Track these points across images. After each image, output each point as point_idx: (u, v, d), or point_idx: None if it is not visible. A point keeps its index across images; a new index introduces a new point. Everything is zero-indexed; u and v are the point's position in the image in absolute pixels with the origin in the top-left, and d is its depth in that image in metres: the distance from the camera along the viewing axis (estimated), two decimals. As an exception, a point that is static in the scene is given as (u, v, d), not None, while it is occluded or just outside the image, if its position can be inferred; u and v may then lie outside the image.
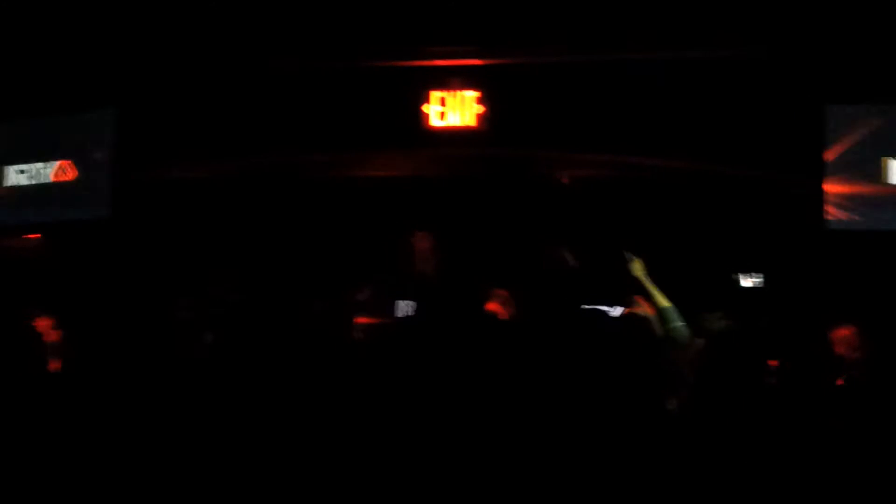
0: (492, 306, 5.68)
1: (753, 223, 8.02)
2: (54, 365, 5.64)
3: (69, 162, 8.90)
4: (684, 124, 8.10)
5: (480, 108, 8.48)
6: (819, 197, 7.91)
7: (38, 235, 8.91)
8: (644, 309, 5.03)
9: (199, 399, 4.47)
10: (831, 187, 7.89)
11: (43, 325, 5.99)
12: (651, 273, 5.27)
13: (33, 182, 9.02)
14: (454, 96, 8.54)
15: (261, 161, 8.65)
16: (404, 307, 6.21)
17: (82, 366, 5.36)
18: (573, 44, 8.19)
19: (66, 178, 8.93)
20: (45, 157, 9.01)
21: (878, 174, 7.91)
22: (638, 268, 5.28)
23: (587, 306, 5.15)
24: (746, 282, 8.10)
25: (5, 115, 9.04)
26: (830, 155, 7.92)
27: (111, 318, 6.69)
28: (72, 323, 6.26)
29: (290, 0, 8.33)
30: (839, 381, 5.31)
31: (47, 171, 8.97)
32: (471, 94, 8.52)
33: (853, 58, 7.80)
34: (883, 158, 7.91)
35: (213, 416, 4.26)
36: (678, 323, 4.86)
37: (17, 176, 9.10)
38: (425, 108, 8.54)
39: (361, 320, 5.70)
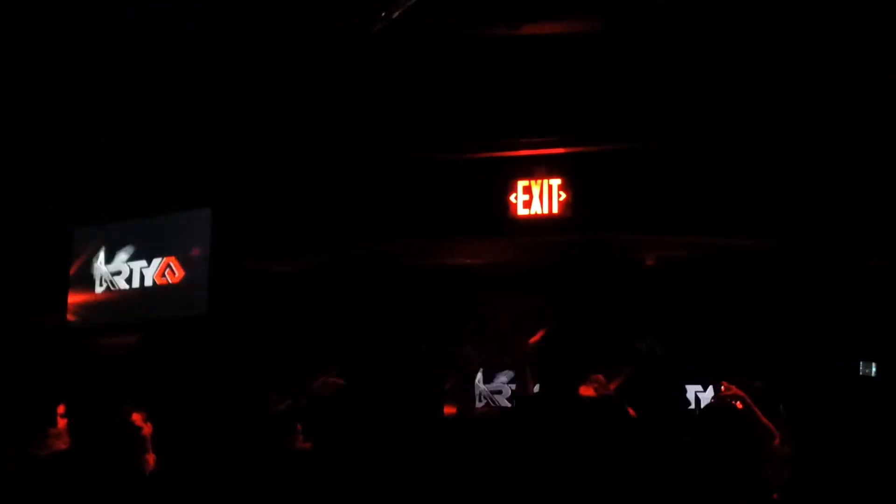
0: (586, 391, 5.67)
1: (849, 305, 7.91)
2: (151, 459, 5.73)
3: (174, 260, 9.12)
4: (769, 203, 8.08)
5: (563, 196, 8.60)
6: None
7: (138, 335, 9.14)
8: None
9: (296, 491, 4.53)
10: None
11: (138, 419, 6.08)
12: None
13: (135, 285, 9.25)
14: (538, 184, 8.68)
15: (353, 250, 8.89)
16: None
17: (178, 461, 5.44)
18: (651, 128, 8.29)
19: (170, 279, 9.16)
20: (147, 257, 9.25)
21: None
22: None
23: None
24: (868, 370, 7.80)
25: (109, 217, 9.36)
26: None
27: (206, 412, 6.83)
28: (169, 419, 6.39)
29: (383, 96, 8.54)
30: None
31: (150, 272, 9.21)
32: (554, 182, 8.65)
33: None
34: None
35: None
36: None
37: (118, 279, 9.36)
38: (512, 197, 8.69)
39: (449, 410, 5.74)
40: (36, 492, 4.92)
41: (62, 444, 5.38)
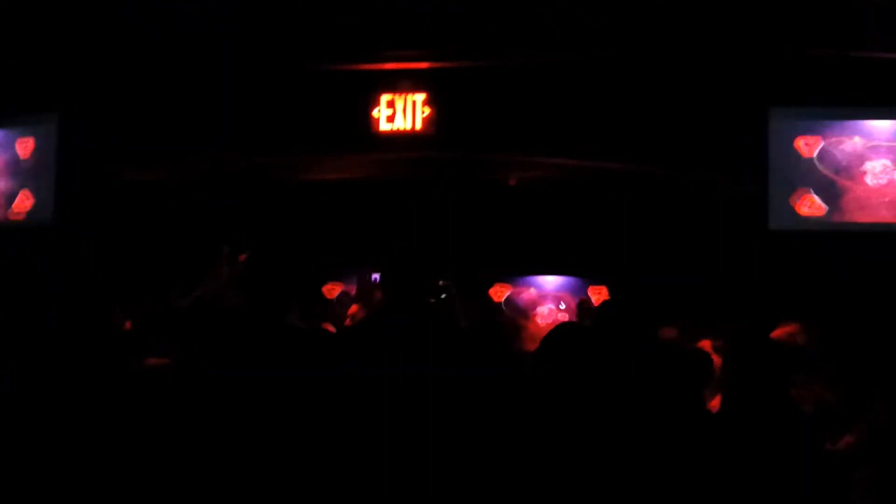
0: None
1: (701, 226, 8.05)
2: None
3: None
4: (632, 125, 8.12)
5: (427, 111, 8.48)
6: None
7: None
8: None
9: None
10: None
11: None
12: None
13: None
14: (401, 99, 8.54)
15: (208, 165, 8.64)
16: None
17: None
18: (517, 45, 8.20)
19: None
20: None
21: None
22: None
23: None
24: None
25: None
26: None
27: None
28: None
29: (246, 4, 8.26)
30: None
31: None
32: (419, 97, 8.53)
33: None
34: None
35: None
36: None
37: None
38: (375, 112, 8.53)
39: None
40: None
41: None
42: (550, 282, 8.86)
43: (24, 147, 8.86)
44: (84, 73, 8.56)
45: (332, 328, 5.90)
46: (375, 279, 5.63)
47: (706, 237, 7.94)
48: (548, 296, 8.81)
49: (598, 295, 8.43)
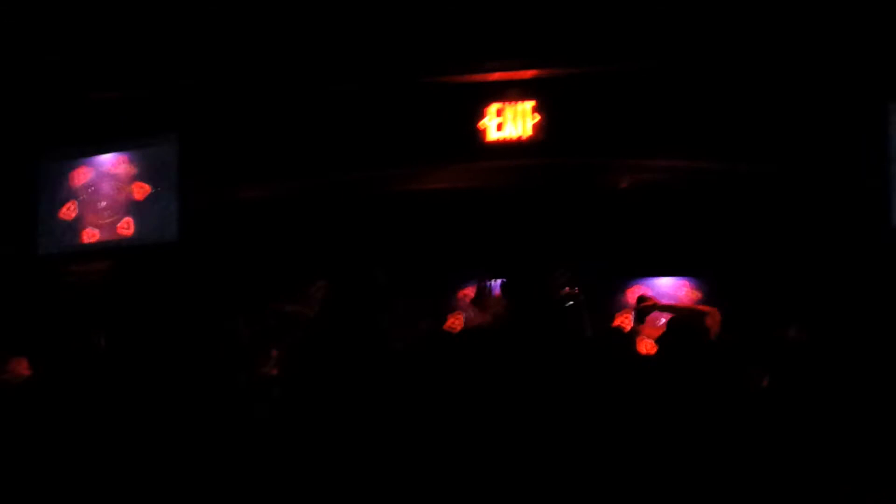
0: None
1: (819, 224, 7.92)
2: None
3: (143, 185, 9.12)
4: (743, 125, 8.04)
5: (536, 118, 8.51)
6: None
7: (109, 262, 9.12)
8: None
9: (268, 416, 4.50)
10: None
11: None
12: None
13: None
14: (511, 108, 8.59)
15: (322, 179, 8.81)
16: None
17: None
18: (623, 50, 8.18)
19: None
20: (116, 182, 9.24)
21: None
22: None
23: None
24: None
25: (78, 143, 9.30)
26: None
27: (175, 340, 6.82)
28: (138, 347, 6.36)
29: (349, 22, 8.41)
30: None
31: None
32: (527, 105, 8.56)
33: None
34: None
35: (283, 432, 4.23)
36: None
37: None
38: (482, 122, 8.59)
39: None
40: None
41: (24, 371, 5.35)
42: (664, 284, 8.79)
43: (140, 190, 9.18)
44: (201, 94, 8.82)
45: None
46: (493, 286, 5.71)
47: (824, 235, 7.82)
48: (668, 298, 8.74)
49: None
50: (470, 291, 7.44)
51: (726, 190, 8.28)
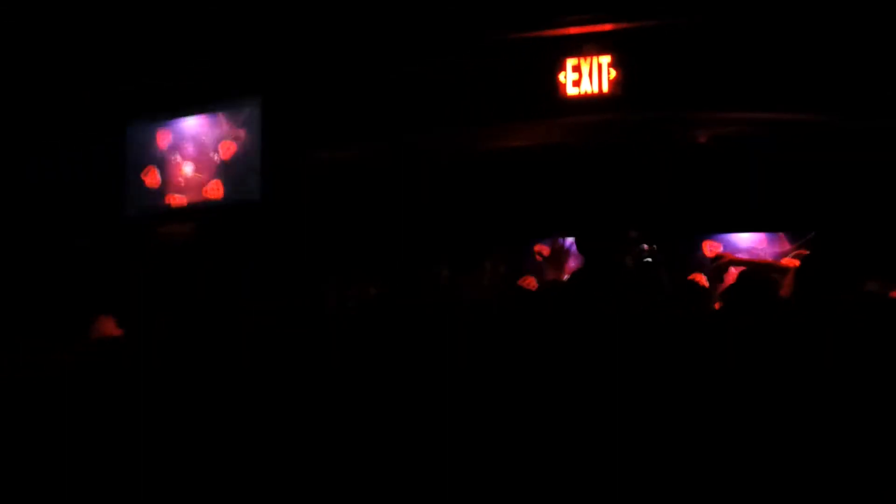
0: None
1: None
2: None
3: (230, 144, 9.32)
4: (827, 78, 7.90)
5: (614, 73, 8.47)
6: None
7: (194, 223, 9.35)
8: None
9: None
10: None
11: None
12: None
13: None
14: (587, 62, 8.55)
15: (399, 141, 8.91)
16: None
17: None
18: (700, 4, 8.09)
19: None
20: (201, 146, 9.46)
21: None
22: None
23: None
24: None
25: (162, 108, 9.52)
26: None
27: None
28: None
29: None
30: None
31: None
32: (604, 60, 8.52)
33: None
34: None
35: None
36: None
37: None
38: (559, 78, 8.57)
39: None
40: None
41: (114, 330, 5.52)
42: (745, 240, 8.72)
43: (226, 149, 9.34)
44: (284, 59, 8.96)
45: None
46: (568, 243, 5.73)
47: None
48: (744, 253, 8.68)
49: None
50: (544, 249, 7.46)
51: (809, 142, 8.15)
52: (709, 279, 6.09)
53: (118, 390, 4.06)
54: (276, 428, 3.76)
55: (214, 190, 9.26)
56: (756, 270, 5.00)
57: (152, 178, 9.49)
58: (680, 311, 4.34)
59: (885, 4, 7.79)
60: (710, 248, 8.45)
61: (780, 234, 8.38)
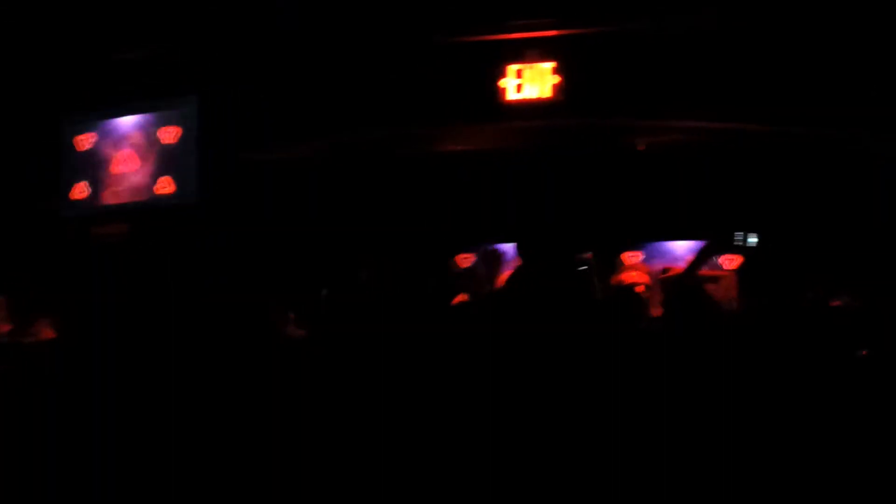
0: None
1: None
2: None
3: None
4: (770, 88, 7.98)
5: (556, 79, 8.48)
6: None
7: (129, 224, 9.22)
8: None
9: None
10: None
11: None
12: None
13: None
14: (530, 68, 8.56)
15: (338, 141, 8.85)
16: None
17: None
18: (644, 9, 8.14)
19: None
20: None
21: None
22: None
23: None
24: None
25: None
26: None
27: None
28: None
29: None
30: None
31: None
32: (547, 66, 8.53)
33: None
34: None
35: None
36: None
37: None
38: (501, 83, 8.56)
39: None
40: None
41: (49, 333, 5.39)
42: (681, 247, 8.76)
43: (168, 134, 9.20)
44: (221, 56, 8.85)
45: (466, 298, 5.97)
46: (498, 250, 5.70)
47: (852, 199, 7.78)
48: (680, 261, 8.72)
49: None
50: (472, 257, 7.44)
51: (747, 152, 8.23)
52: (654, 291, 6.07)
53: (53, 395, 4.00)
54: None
55: (146, 189, 9.15)
56: (687, 281, 5.01)
57: (89, 176, 9.35)
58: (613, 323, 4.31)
59: (818, 18, 7.89)
60: (630, 257, 8.50)
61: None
